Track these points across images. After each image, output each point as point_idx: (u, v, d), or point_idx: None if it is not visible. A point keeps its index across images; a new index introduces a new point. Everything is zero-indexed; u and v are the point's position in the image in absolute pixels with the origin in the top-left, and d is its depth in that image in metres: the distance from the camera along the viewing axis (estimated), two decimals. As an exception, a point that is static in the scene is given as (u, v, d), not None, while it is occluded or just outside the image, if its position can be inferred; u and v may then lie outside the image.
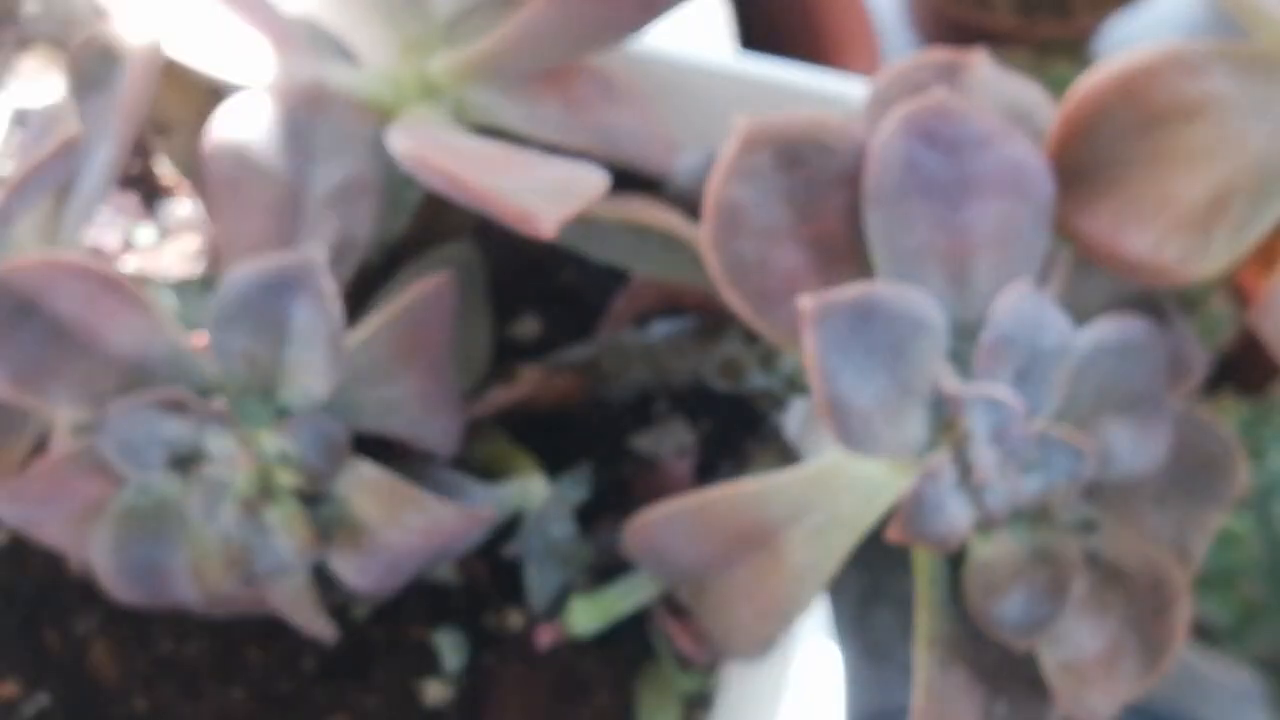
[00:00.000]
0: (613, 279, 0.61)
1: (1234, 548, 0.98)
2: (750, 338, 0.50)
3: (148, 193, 0.60)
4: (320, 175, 0.42)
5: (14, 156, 0.58)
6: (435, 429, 0.44)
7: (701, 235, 0.39)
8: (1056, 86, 0.39)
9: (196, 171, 0.43)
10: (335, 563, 0.42)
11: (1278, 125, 0.40)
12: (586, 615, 0.51)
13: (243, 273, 0.39)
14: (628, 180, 0.49)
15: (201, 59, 0.44)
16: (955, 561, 0.41)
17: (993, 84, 0.43)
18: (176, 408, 0.39)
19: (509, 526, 0.50)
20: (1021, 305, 0.38)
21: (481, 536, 0.48)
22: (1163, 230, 0.40)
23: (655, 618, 0.52)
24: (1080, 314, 0.41)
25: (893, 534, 0.38)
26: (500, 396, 0.51)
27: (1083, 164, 0.40)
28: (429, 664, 0.52)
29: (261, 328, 0.39)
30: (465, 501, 0.44)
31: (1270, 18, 0.40)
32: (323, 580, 0.43)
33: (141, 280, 0.45)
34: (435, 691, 0.51)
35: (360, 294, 0.47)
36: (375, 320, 0.41)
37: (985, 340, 0.38)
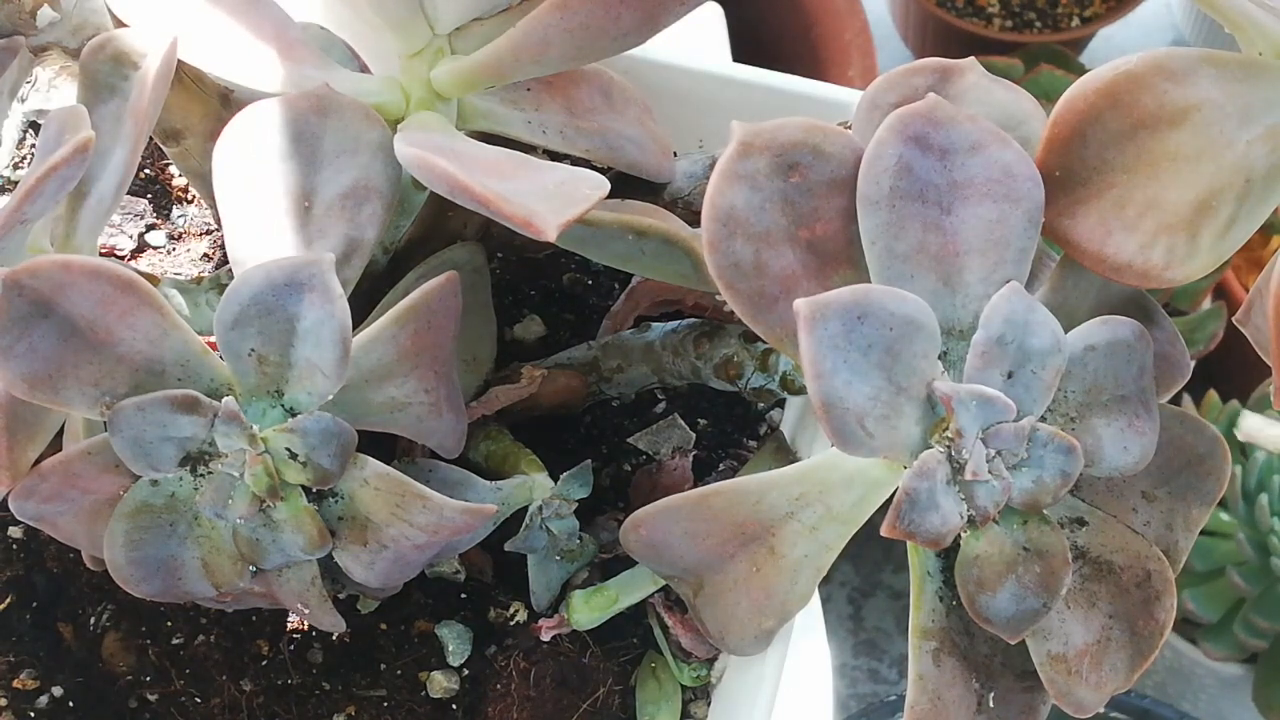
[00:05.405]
0: (613, 281, 0.62)
1: (1220, 543, 0.99)
2: (748, 338, 0.51)
3: (159, 197, 0.61)
4: (328, 179, 0.43)
5: (29, 162, 0.59)
6: (440, 427, 0.44)
7: (700, 238, 0.39)
8: (1047, 94, 0.40)
9: (207, 176, 0.44)
10: (342, 558, 0.42)
11: (1263, 130, 0.41)
12: (587, 610, 0.51)
13: (252, 275, 0.39)
14: (628, 184, 0.50)
15: (212, 66, 0.45)
16: (948, 556, 0.41)
17: (984, 91, 0.43)
18: (187, 407, 0.39)
19: (512, 522, 0.50)
20: (1012, 307, 0.39)
21: (485, 532, 0.49)
22: (1149, 234, 0.40)
23: (655, 612, 0.52)
24: (1069, 316, 0.42)
25: (887, 530, 0.39)
26: (503, 395, 0.52)
27: (1072, 169, 0.41)
28: (434, 656, 0.53)
29: (270, 328, 0.39)
30: (469, 498, 0.45)
31: (1256, 24, 0.41)
32: (330, 575, 0.44)
33: (154, 282, 0.46)
34: (440, 683, 0.52)
35: (367, 295, 0.47)
36: (382, 321, 0.41)
37: (977, 341, 0.39)
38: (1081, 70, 1.12)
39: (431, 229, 0.52)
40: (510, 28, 0.43)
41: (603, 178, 0.41)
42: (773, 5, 1.13)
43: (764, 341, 0.46)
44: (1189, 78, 0.40)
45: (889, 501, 0.39)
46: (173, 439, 0.40)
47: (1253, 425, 0.38)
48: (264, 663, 0.53)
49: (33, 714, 0.52)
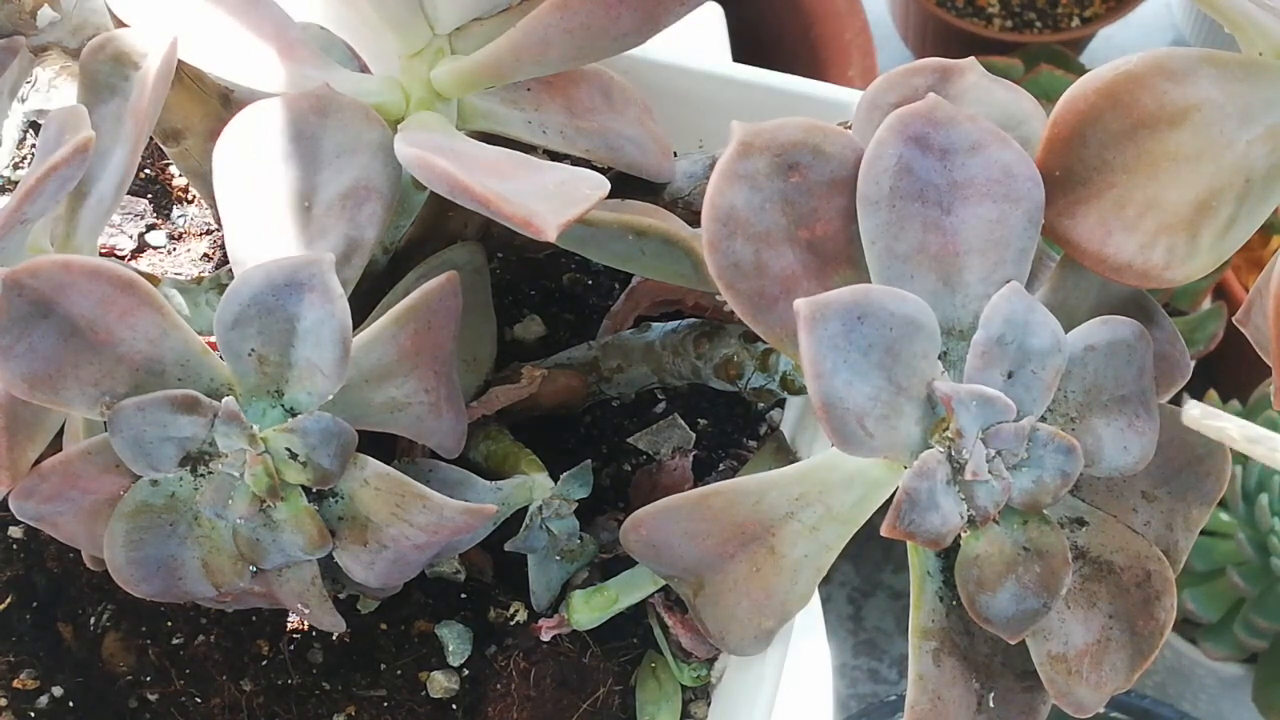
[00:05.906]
0: (613, 281, 0.62)
1: (1220, 543, 0.99)
2: (748, 338, 0.51)
3: (159, 197, 0.61)
4: (328, 179, 0.43)
5: (30, 162, 0.59)
6: (440, 427, 0.44)
7: (700, 238, 0.40)
8: (1047, 94, 0.40)
9: (207, 176, 0.44)
10: (343, 558, 0.42)
11: (1263, 130, 0.41)
12: (587, 610, 0.51)
13: (252, 275, 0.39)
14: (628, 184, 0.50)
15: (212, 66, 0.45)
16: (948, 556, 0.41)
17: (984, 91, 0.43)
18: (187, 407, 0.39)
19: (512, 522, 0.50)
20: (1012, 307, 0.39)
21: (485, 532, 0.49)
22: (1150, 234, 0.40)
23: (655, 612, 0.52)
24: (1069, 316, 0.42)
25: (887, 530, 0.39)
26: (503, 395, 0.52)
27: (1072, 169, 0.41)
28: (434, 656, 0.53)
29: (270, 328, 0.39)
30: (469, 498, 0.45)
31: (1256, 24, 0.41)
32: (330, 575, 0.44)
33: (154, 282, 0.46)
34: (440, 683, 0.52)
35: (367, 295, 0.47)
36: (382, 321, 0.41)
37: (977, 341, 0.39)
38: (1081, 70, 1.12)
39: (431, 229, 0.52)
40: (510, 28, 0.43)
41: (603, 178, 0.41)
42: (773, 5, 1.13)
43: (764, 341, 0.46)
44: (1189, 78, 0.40)
45: (889, 501, 0.39)
46: (173, 439, 0.40)
47: (1194, 414, 0.38)
48: (264, 663, 0.53)
49: (33, 714, 0.52)
